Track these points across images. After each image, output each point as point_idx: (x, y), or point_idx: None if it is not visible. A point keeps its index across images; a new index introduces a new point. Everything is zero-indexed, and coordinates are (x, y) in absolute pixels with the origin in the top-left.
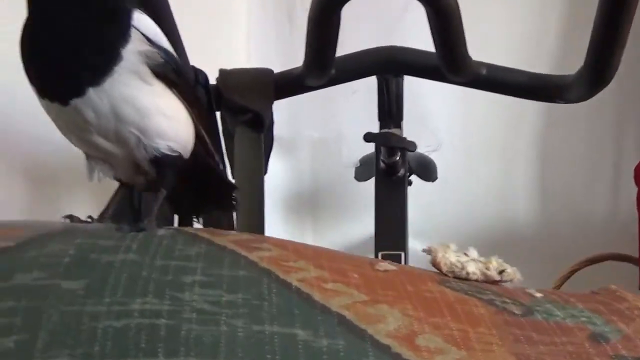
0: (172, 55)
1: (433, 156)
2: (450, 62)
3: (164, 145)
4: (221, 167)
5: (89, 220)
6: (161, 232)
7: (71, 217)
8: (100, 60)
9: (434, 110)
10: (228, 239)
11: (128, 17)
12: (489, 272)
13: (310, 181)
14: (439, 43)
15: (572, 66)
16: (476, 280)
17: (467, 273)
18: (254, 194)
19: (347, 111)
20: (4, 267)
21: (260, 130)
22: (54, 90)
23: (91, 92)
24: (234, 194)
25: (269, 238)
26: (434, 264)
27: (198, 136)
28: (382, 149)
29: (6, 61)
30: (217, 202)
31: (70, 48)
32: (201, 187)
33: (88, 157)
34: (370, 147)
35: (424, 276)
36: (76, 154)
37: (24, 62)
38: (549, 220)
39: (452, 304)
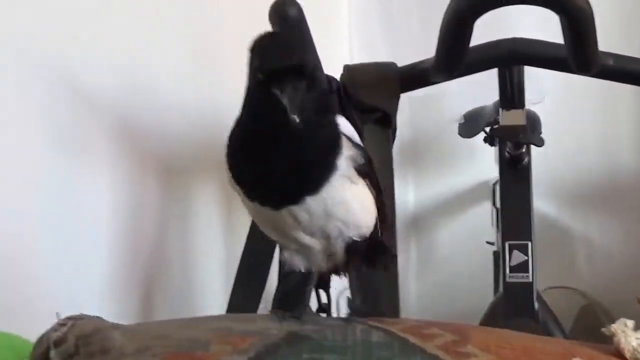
0: (364, 149)
1: (536, 107)
2: (581, 61)
3: (357, 234)
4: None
5: (296, 316)
6: (374, 337)
7: (277, 312)
8: (319, 172)
9: None
10: (436, 344)
11: (337, 126)
12: None
13: (412, 135)
14: (571, 45)
15: None
16: None
17: None
18: (384, 187)
19: None
20: None
21: (388, 126)
22: (271, 198)
23: (308, 200)
24: (389, 257)
25: (470, 333)
26: (618, 348)
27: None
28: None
29: (136, 63)
30: (372, 263)
31: (289, 161)
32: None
33: (283, 249)
34: (473, 103)
35: None
36: (205, 152)
37: (235, 168)
38: None
39: None
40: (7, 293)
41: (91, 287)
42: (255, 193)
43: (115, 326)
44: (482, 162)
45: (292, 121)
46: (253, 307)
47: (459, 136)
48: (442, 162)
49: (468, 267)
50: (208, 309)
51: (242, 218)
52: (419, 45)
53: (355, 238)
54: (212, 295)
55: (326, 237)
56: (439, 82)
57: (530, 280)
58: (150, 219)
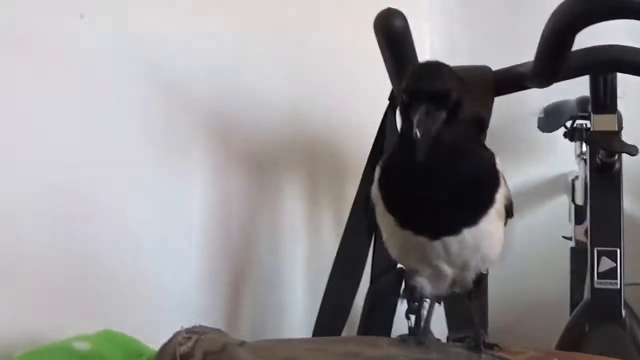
0: None
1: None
2: None
3: (487, 267)
4: None
5: (420, 342)
6: None
7: (401, 336)
8: (480, 205)
9: None
10: None
11: (496, 161)
12: None
13: (490, 127)
14: None
15: None
16: None
17: None
18: None
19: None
20: None
21: (482, 131)
22: (430, 229)
23: (464, 231)
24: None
25: None
26: None
27: None
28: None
29: (227, 63)
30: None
31: (456, 194)
32: None
33: (411, 272)
34: (554, 97)
35: None
36: (295, 150)
37: (390, 198)
38: None
39: None
40: (107, 291)
41: (182, 284)
42: (409, 223)
43: (241, 343)
44: (561, 155)
45: (414, 135)
46: (346, 309)
47: (537, 129)
48: (519, 154)
49: (542, 261)
50: (296, 304)
51: (330, 215)
52: (502, 46)
53: (483, 271)
54: (301, 290)
55: (463, 268)
56: (534, 87)
57: (618, 287)
58: (240, 217)
